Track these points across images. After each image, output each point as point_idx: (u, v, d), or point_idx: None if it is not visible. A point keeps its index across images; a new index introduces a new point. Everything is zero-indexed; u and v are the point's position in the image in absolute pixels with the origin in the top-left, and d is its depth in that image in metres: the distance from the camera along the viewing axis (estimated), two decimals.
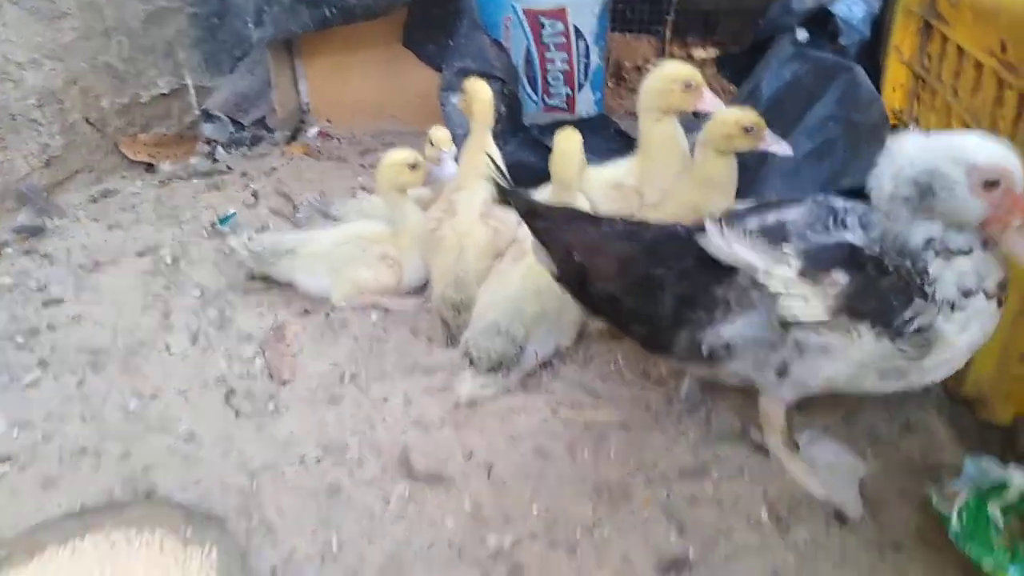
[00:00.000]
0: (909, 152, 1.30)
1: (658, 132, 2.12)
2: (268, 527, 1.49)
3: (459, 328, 1.96)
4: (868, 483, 1.59)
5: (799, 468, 1.59)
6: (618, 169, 2.20)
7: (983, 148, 1.26)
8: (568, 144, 2.00)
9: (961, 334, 1.33)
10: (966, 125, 1.84)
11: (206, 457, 1.64)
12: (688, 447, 1.67)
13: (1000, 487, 1.42)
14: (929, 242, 1.32)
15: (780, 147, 1.91)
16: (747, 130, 1.89)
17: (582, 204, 2.05)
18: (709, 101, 2.04)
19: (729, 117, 1.91)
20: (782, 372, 1.45)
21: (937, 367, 1.39)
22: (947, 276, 1.31)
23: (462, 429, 1.72)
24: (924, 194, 1.28)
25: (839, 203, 1.45)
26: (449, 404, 1.78)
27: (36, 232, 2.51)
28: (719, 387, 1.83)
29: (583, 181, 2.10)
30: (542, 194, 2.17)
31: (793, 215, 1.43)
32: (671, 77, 2.05)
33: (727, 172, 1.97)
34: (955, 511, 1.39)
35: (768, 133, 1.90)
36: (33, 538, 1.43)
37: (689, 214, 1.95)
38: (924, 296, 1.32)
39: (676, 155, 2.13)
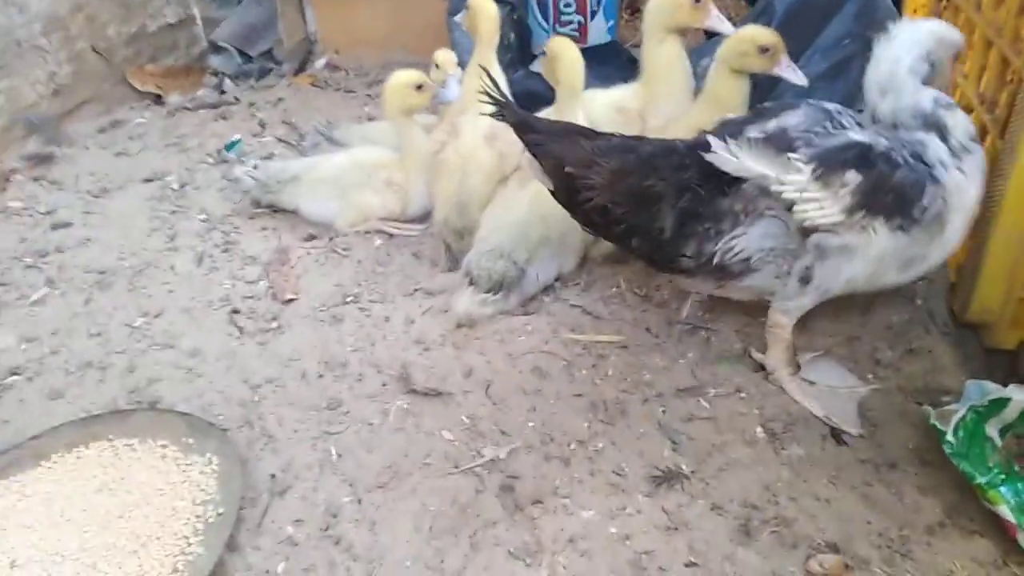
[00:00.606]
0: (912, 35, 1.51)
1: (663, 53, 2.05)
2: (269, 437, 1.52)
3: (461, 253, 1.95)
4: (867, 404, 1.58)
5: (799, 387, 1.59)
6: (621, 92, 2.14)
7: (954, 30, 1.57)
8: (562, 49, 1.94)
9: (970, 187, 1.46)
10: (988, 41, 1.77)
11: (209, 371, 1.67)
12: (687, 367, 1.67)
13: (998, 404, 1.40)
14: (936, 101, 1.48)
15: (795, 75, 1.85)
16: (764, 50, 1.82)
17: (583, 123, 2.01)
18: (715, 17, 1.98)
19: (746, 34, 1.85)
20: (806, 279, 1.47)
21: (950, 239, 1.48)
22: (959, 121, 1.48)
23: (462, 348, 1.73)
24: (931, 67, 1.50)
25: (830, 106, 1.50)
26: (450, 324, 1.78)
27: (45, 160, 2.52)
28: (720, 309, 1.82)
29: (584, 101, 2.04)
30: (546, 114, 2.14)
31: (793, 120, 1.42)
32: None
33: (739, 93, 1.91)
34: (952, 428, 1.38)
35: (784, 58, 1.84)
36: (39, 444, 1.47)
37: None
38: (935, 181, 1.42)
39: (681, 78, 2.08)
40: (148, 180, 2.40)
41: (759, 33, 1.83)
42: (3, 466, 1.43)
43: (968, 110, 1.91)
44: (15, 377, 1.66)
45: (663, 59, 2.07)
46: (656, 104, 2.09)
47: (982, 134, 1.77)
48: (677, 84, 2.08)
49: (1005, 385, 1.49)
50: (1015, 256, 1.56)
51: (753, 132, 1.41)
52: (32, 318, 1.82)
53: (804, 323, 1.77)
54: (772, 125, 1.43)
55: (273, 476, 1.43)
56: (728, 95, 1.91)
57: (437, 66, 2.19)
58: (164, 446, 1.47)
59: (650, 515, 1.36)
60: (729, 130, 1.42)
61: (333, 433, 1.53)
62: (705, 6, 1.98)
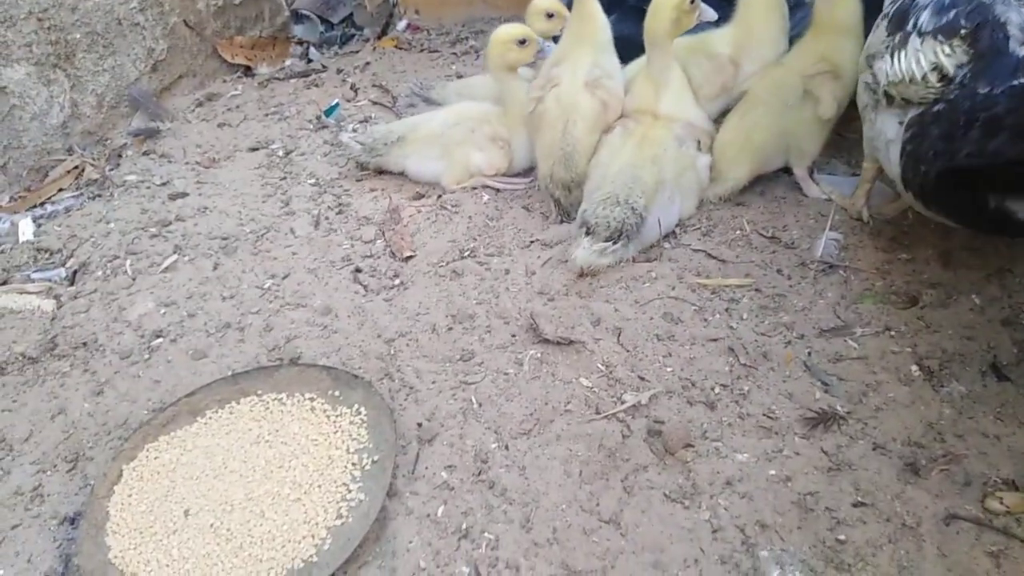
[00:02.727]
0: None
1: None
2: (410, 388, 1.53)
3: (572, 206, 1.92)
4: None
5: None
6: (711, 37, 2.05)
7: None
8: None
9: None
10: None
11: (343, 327, 1.69)
12: (827, 307, 1.61)
13: None
14: None
15: None
16: None
17: (678, 75, 1.93)
18: None
19: None
20: None
21: None
22: None
23: (587, 297, 1.71)
24: None
25: None
26: (571, 275, 1.76)
27: (152, 134, 2.58)
28: (855, 247, 1.75)
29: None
30: (636, 66, 2.07)
31: None
32: None
33: (856, 10, 1.84)
34: None
35: None
36: (193, 400, 1.52)
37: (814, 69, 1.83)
38: None
39: (778, 20, 2.00)
40: (254, 149, 2.44)
41: None
42: (162, 423, 1.48)
43: None
44: (159, 339, 1.71)
45: (756, 3, 1.99)
46: (751, 49, 2.02)
47: None
48: (774, 27, 2.00)
49: None
50: None
51: None
52: (166, 284, 1.88)
53: (948, 255, 1.69)
54: None
55: (420, 425, 1.45)
56: (847, 15, 1.83)
57: (551, 16, 2.13)
58: (312, 399, 1.50)
59: (809, 456, 1.32)
60: None
61: (471, 383, 1.53)
62: None
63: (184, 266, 1.94)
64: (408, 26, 3.28)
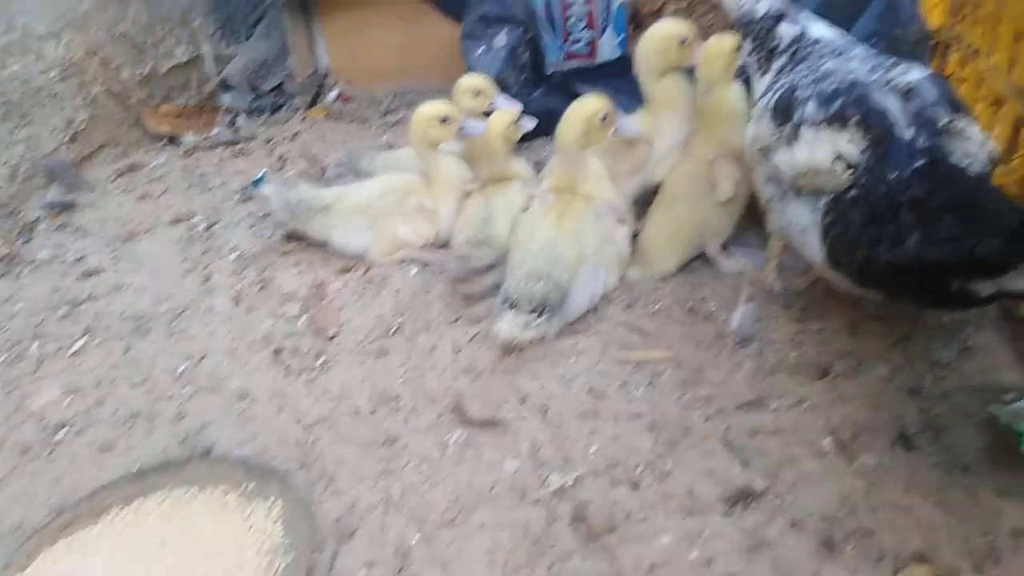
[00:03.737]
0: None
1: (660, 88, 2.09)
2: (329, 478, 1.49)
3: (484, 266, 1.93)
4: (931, 408, 1.55)
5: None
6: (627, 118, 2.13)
7: None
8: (572, 109, 1.93)
9: None
10: (1017, 34, 1.77)
11: (260, 413, 1.64)
12: (744, 380, 1.64)
13: None
14: None
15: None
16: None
17: (595, 164, 1.99)
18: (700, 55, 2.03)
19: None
20: None
21: None
22: None
23: (514, 374, 1.70)
24: None
25: None
26: (497, 351, 1.76)
27: (68, 207, 2.51)
28: (769, 318, 1.80)
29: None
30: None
31: None
32: (668, 34, 2.03)
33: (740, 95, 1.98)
34: None
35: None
36: (97, 500, 1.44)
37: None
38: None
39: (683, 107, 2.10)
40: (175, 221, 2.39)
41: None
42: (62, 525, 1.40)
43: (997, 104, 1.91)
44: (63, 431, 1.63)
45: (661, 93, 2.10)
46: (659, 130, 2.11)
47: (1016, 127, 1.76)
48: (680, 113, 2.10)
49: None
50: None
51: None
52: (74, 369, 1.79)
53: (856, 325, 1.75)
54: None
55: (338, 519, 1.40)
56: (727, 102, 1.99)
57: (479, 93, 2.18)
58: (225, 493, 1.44)
59: (730, 536, 1.32)
60: None
61: (393, 470, 1.50)
62: (691, 45, 2.02)
63: (94, 349, 1.86)
64: (339, 96, 3.30)
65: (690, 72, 2.09)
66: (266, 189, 2.12)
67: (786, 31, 1.78)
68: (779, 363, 1.68)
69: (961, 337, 1.71)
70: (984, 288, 1.24)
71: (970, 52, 2.08)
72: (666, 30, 2.04)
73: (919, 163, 1.35)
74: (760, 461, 1.46)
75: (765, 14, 1.82)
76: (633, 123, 2.01)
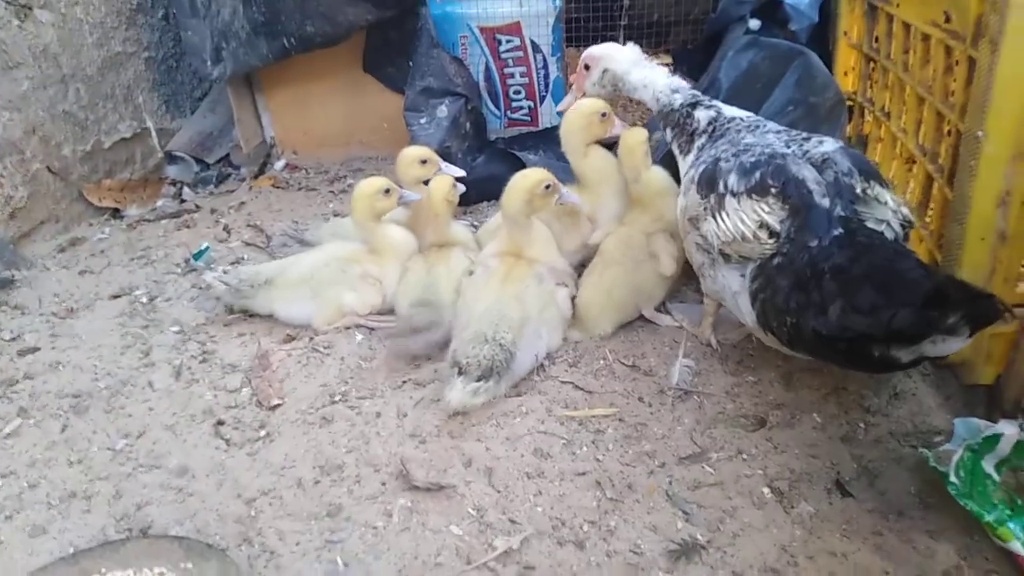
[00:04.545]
0: None
1: (588, 164, 2.19)
2: (271, 553, 1.46)
3: (426, 323, 1.95)
4: (865, 454, 1.61)
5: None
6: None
7: None
8: (516, 180, 2.00)
9: None
10: (920, 98, 1.91)
11: (200, 489, 1.61)
12: (685, 433, 1.68)
13: (992, 441, 1.45)
14: None
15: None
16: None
17: (541, 230, 2.06)
18: (619, 126, 2.16)
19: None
20: None
21: None
22: None
23: (459, 437, 1.71)
24: None
25: None
26: (443, 415, 1.76)
27: (4, 284, 2.46)
28: (707, 372, 1.85)
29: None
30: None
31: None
32: (589, 111, 2.14)
33: (659, 175, 2.10)
34: (952, 468, 1.41)
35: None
36: None
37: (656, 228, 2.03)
38: None
39: (613, 181, 2.19)
40: (116, 296, 2.36)
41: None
42: None
43: (910, 162, 2.04)
44: None
45: (590, 169, 2.20)
46: (599, 207, 2.20)
47: (927, 183, 1.88)
48: (611, 187, 2.20)
49: (989, 419, 1.54)
50: None
51: None
52: (7, 451, 1.73)
53: (790, 376, 1.81)
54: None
55: None
56: (654, 182, 2.09)
57: (424, 162, 2.25)
58: (162, 574, 1.39)
59: None
60: None
61: (337, 542, 1.48)
62: (610, 118, 2.16)
63: (29, 430, 1.81)
64: (286, 165, 3.34)
65: (611, 148, 2.19)
66: (208, 276, 2.13)
67: (702, 114, 1.91)
68: (717, 415, 1.72)
69: (891, 384, 1.79)
70: (905, 355, 1.30)
71: (882, 114, 2.23)
72: (587, 107, 2.15)
73: (837, 231, 1.43)
74: (702, 514, 1.48)
75: (682, 104, 1.96)
76: (574, 195, 2.08)
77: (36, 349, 2.11)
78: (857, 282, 1.31)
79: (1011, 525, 1.35)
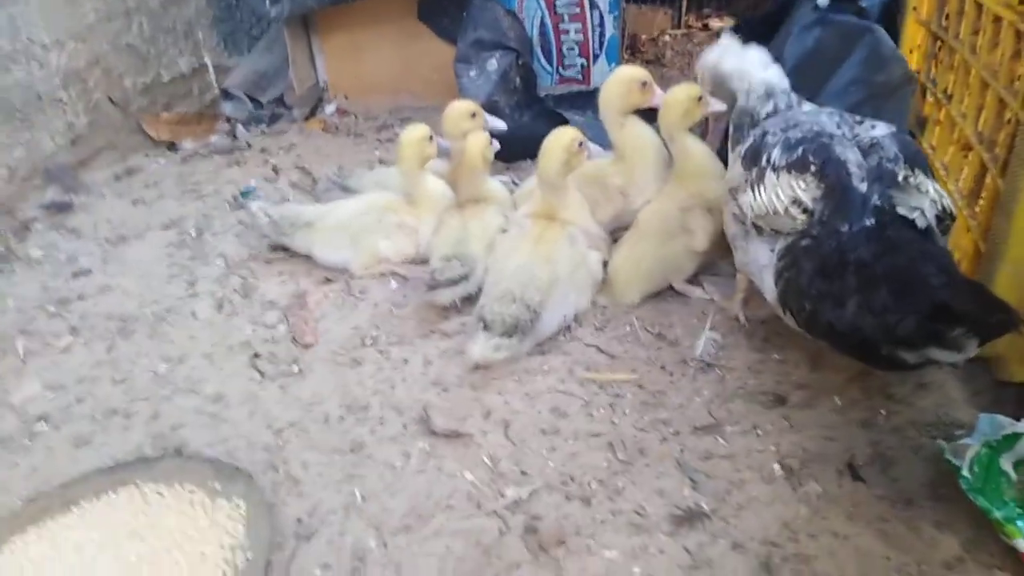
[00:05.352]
0: None
1: (627, 135, 2.15)
2: (294, 481, 1.54)
3: (456, 277, 1.97)
4: (882, 440, 1.60)
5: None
6: (603, 166, 2.18)
7: None
8: (550, 140, 1.99)
9: None
10: (984, 82, 1.83)
11: (233, 416, 1.70)
12: (703, 405, 1.70)
13: (1012, 439, 1.43)
14: None
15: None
16: (644, 84, 2.07)
17: (575, 195, 2.06)
18: (659, 96, 2.10)
19: (679, 95, 2.01)
20: None
21: None
22: None
23: (480, 389, 1.76)
24: None
25: None
26: (466, 366, 1.81)
27: (64, 208, 2.57)
28: (732, 347, 1.86)
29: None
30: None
31: None
32: (629, 78, 2.10)
33: (700, 150, 2.05)
34: (967, 463, 1.40)
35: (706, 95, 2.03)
36: (68, 492, 1.49)
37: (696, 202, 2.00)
38: None
39: (651, 154, 2.15)
40: (166, 227, 2.45)
41: (689, 88, 2.02)
42: (34, 512, 1.45)
43: (967, 148, 1.97)
44: (42, 424, 1.68)
45: (628, 140, 2.16)
46: (634, 182, 2.16)
47: (981, 172, 1.83)
48: (649, 160, 2.16)
49: (1016, 419, 1.51)
50: (1022, 290, 1.60)
51: None
52: (57, 366, 1.85)
53: (815, 358, 1.81)
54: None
55: (299, 520, 1.45)
56: (700, 158, 2.04)
57: (474, 115, 2.25)
58: (191, 491, 1.49)
59: (672, 555, 1.37)
60: None
61: (357, 476, 1.55)
62: (651, 87, 2.11)
63: (79, 348, 1.92)
64: (336, 110, 3.39)
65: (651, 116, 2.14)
66: (252, 206, 2.19)
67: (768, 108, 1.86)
68: (737, 390, 1.73)
69: (917, 374, 1.76)
70: (911, 357, 1.31)
71: (944, 96, 2.15)
72: (627, 74, 2.12)
73: (869, 221, 1.41)
74: (710, 484, 1.51)
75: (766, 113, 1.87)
76: (596, 146, 2.08)
77: (88, 272, 2.22)
78: (876, 282, 1.30)
79: (1020, 524, 1.34)
